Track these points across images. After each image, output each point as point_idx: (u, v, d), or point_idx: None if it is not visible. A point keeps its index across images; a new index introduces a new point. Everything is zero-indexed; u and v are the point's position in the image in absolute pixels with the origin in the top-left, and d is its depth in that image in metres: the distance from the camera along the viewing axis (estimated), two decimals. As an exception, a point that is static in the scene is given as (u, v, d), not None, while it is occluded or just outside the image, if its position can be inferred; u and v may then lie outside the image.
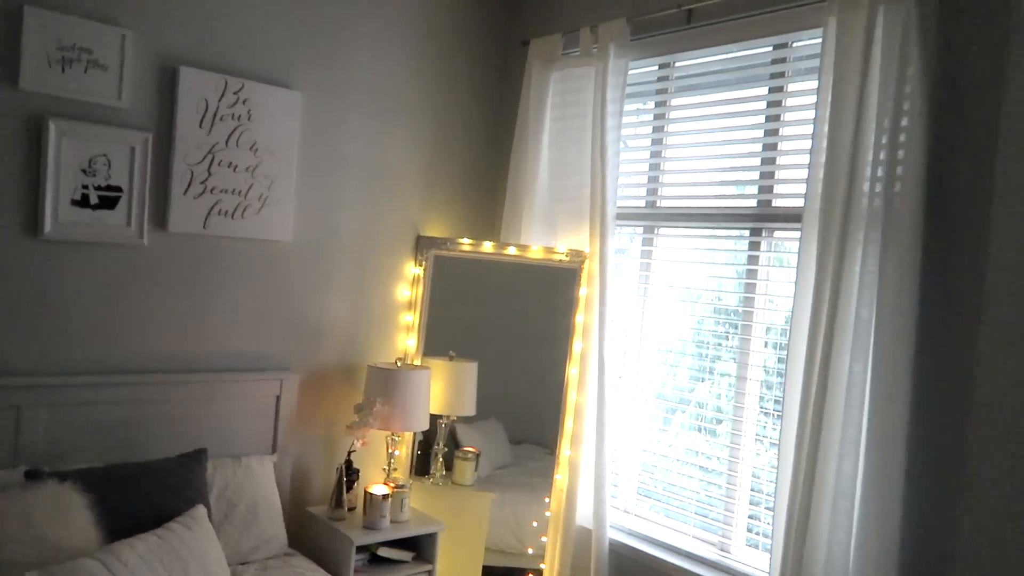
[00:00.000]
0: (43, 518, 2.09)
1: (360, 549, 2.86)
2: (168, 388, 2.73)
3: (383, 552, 2.95)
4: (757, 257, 2.79)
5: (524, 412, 3.44)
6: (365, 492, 2.95)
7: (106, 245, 2.62)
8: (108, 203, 2.59)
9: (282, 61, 2.98)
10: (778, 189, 2.74)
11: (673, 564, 2.85)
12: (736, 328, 2.83)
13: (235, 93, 2.83)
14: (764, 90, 2.81)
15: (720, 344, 2.92)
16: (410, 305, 3.41)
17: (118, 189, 2.61)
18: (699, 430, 2.99)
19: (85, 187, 2.54)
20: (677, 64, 3.08)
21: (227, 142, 2.83)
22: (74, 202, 2.53)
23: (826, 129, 2.32)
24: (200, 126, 2.76)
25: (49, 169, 2.46)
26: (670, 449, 3.05)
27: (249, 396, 2.93)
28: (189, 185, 2.76)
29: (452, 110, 3.51)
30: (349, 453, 3.02)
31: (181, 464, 2.54)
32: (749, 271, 2.81)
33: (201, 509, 2.43)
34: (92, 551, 2.08)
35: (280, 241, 3.01)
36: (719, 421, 2.90)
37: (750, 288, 2.80)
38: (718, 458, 2.87)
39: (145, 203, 2.66)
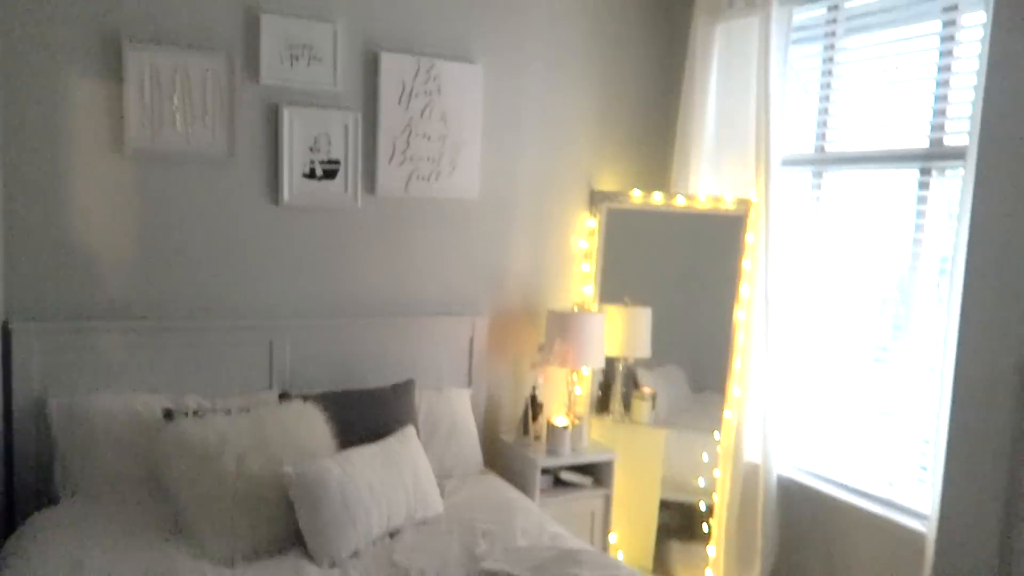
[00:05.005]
0: (294, 427, 2.64)
1: (544, 472, 3.24)
2: (382, 329, 3.23)
3: (565, 476, 3.31)
4: (926, 197, 2.76)
5: (703, 360, 3.59)
6: (548, 423, 3.30)
7: (329, 210, 3.13)
8: (330, 174, 3.10)
9: (464, 38, 3.32)
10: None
11: (840, 499, 2.95)
12: (911, 266, 2.84)
13: (427, 72, 3.22)
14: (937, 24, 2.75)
15: (891, 284, 2.93)
16: (587, 255, 3.68)
17: (337, 162, 3.10)
18: (870, 368, 3.02)
19: (312, 162, 3.06)
20: (846, 5, 3.05)
21: (421, 115, 3.23)
22: (304, 175, 3.05)
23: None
24: (399, 103, 3.18)
25: (285, 148, 2.99)
26: (840, 388, 3.11)
27: (447, 336, 3.37)
28: (392, 155, 3.20)
29: (621, 68, 3.69)
30: (534, 388, 3.39)
31: (395, 392, 3.03)
32: (919, 211, 2.79)
33: (411, 428, 2.91)
34: (330, 454, 2.60)
35: (468, 199, 3.39)
36: (884, 359, 2.93)
37: (919, 228, 2.79)
38: (891, 396, 2.91)
39: (358, 173, 3.14)
